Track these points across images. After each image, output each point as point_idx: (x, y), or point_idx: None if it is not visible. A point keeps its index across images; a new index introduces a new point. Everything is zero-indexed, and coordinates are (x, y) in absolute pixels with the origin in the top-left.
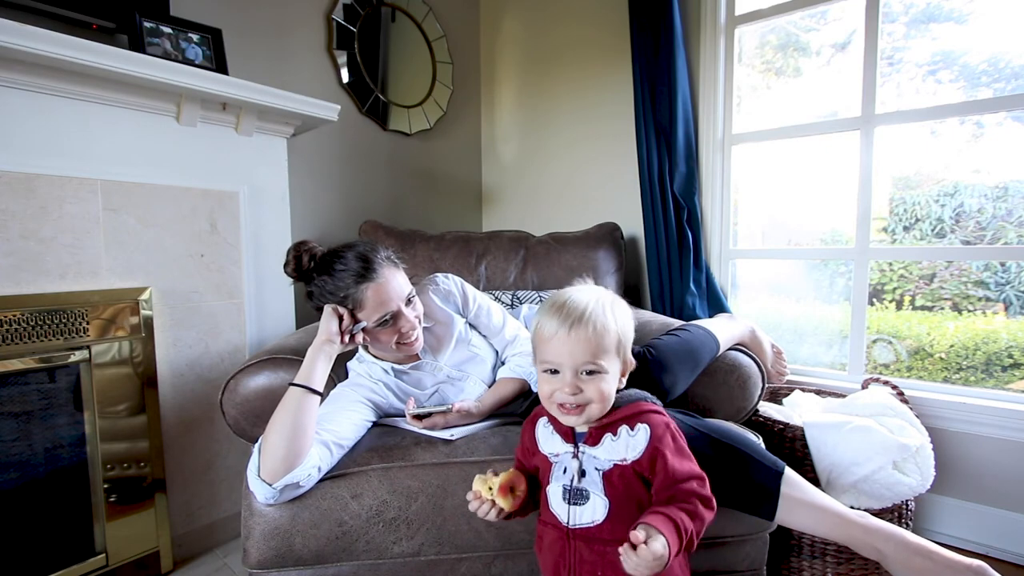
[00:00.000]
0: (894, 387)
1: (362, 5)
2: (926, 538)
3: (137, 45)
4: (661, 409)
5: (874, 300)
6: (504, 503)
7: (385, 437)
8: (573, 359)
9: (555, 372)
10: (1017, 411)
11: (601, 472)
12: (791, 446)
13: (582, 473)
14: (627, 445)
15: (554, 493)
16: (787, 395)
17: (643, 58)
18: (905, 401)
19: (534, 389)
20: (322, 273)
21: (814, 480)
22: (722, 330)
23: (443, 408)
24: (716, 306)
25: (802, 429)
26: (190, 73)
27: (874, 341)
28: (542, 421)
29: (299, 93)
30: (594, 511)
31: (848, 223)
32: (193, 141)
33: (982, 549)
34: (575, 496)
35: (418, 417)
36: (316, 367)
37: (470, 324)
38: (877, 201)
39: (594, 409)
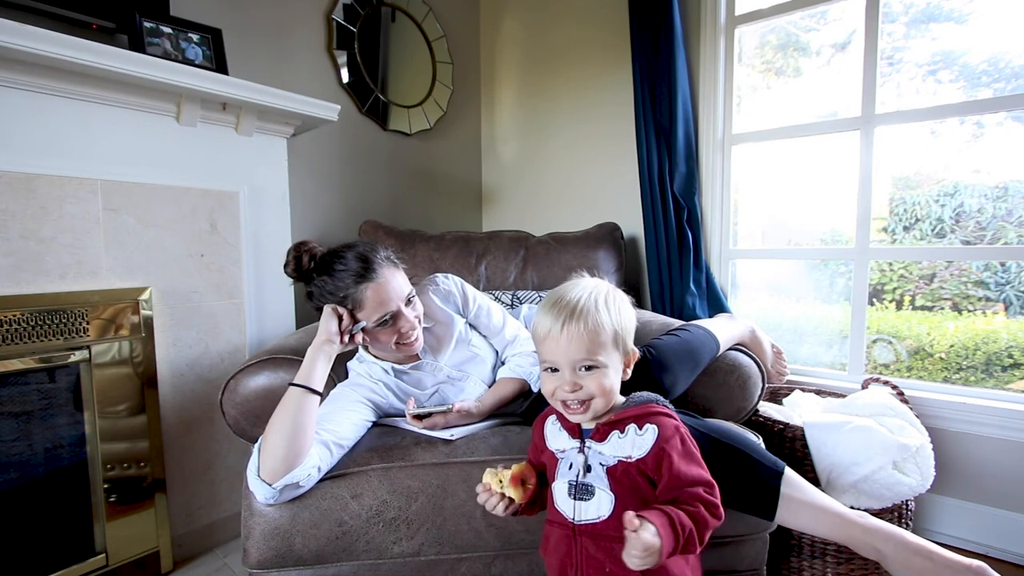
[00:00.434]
0: (894, 387)
1: (362, 5)
2: (926, 538)
3: (137, 45)
4: (673, 413)
5: (874, 300)
6: (515, 493)
7: (385, 437)
8: (569, 357)
9: (555, 370)
10: (1017, 411)
11: (605, 467)
12: (791, 446)
13: (587, 468)
14: (633, 443)
15: (559, 490)
16: (787, 395)
17: (643, 58)
18: (905, 401)
19: (534, 389)
20: (322, 273)
21: (814, 480)
22: (722, 330)
23: (443, 408)
24: (716, 306)
25: (802, 429)
26: (190, 73)
27: (874, 341)
28: (551, 419)
29: (299, 93)
30: (599, 506)
31: (848, 223)
32: (193, 141)
33: (982, 549)
34: (580, 491)
35: (418, 417)
36: (316, 367)
37: (470, 324)
38: (877, 201)
39: (598, 403)
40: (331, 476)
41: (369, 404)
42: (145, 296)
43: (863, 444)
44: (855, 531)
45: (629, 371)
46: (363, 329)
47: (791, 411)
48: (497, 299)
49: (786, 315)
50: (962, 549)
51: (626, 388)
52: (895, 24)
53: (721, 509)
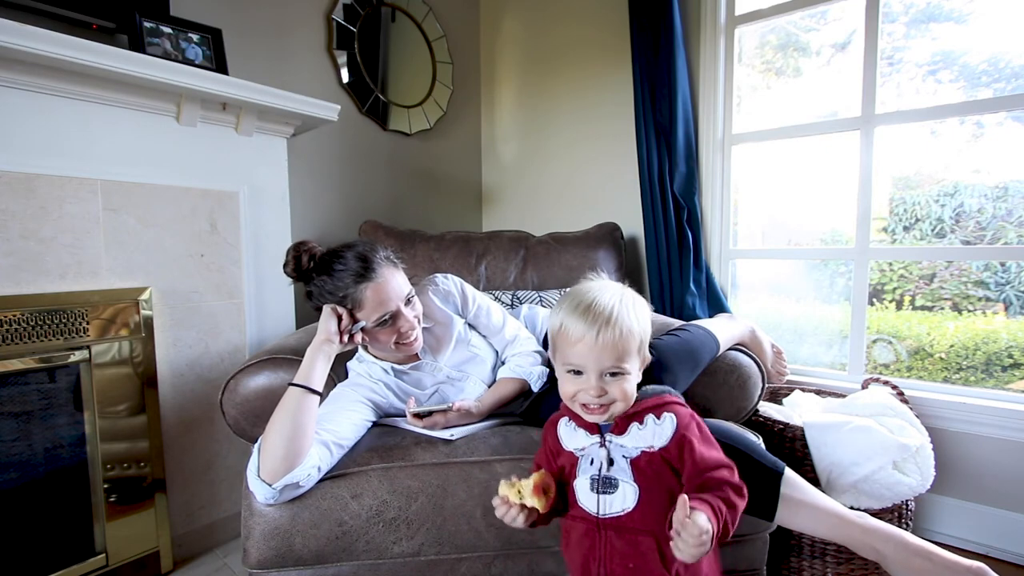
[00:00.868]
0: (894, 387)
1: (362, 5)
2: (926, 538)
3: (137, 45)
4: (684, 402)
5: (874, 300)
6: (538, 503)
7: (385, 437)
8: (599, 363)
9: (578, 373)
10: (1017, 411)
11: (629, 459)
12: (791, 446)
13: (610, 462)
14: (654, 433)
15: (582, 486)
16: (787, 395)
17: (643, 58)
18: (905, 401)
19: (534, 389)
20: (321, 273)
21: (814, 480)
22: (722, 330)
23: (443, 407)
24: (716, 306)
25: (802, 429)
26: (190, 73)
27: (874, 341)
28: (563, 420)
29: (299, 93)
30: (624, 499)
31: (848, 223)
32: (193, 141)
33: (982, 549)
34: (604, 485)
35: (418, 416)
36: (315, 367)
37: (469, 325)
38: (877, 201)
39: (618, 407)
40: (331, 476)
41: (369, 404)
42: (145, 296)
43: (863, 444)
44: (855, 532)
45: (640, 375)
46: (362, 329)
47: (791, 411)
48: (497, 299)
49: (786, 315)
50: (962, 549)
51: None
52: (895, 24)
53: (744, 487)
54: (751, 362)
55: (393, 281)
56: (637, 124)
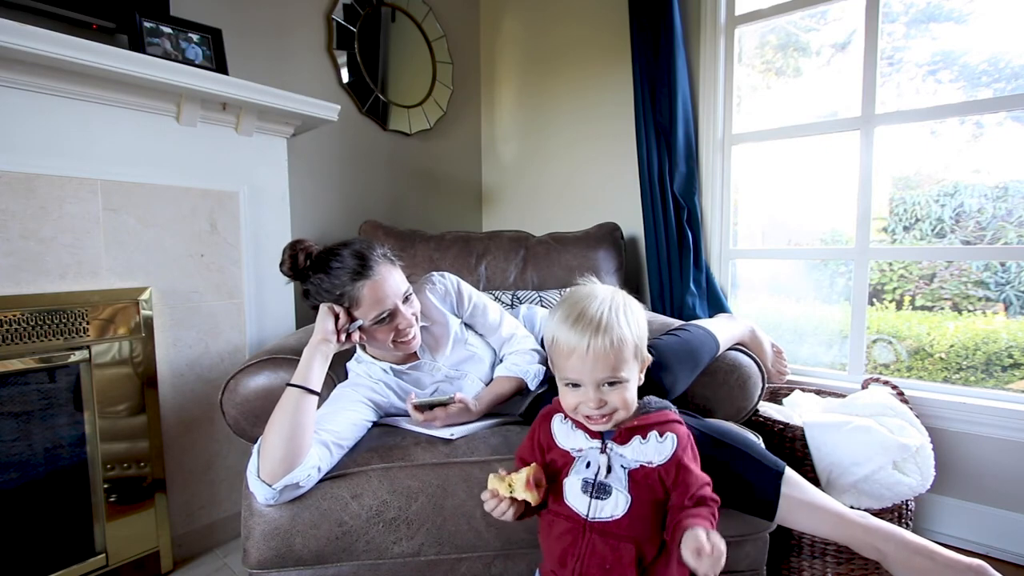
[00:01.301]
0: (894, 387)
1: (362, 5)
2: (926, 538)
3: (137, 45)
4: (682, 421)
5: (874, 300)
6: (531, 497)
7: (385, 437)
8: (594, 375)
9: (576, 385)
10: (1017, 411)
11: (627, 470)
12: (791, 446)
13: (609, 469)
14: (656, 450)
15: (572, 485)
16: (787, 395)
17: (643, 58)
18: (905, 401)
19: (531, 387)
20: (318, 271)
21: (814, 480)
22: (722, 330)
23: (444, 399)
24: (716, 306)
25: (802, 429)
26: (190, 73)
27: (874, 341)
28: (558, 417)
29: (299, 93)
30: (615, 506)
31: (848, 223)
32: (193, 141)
33: (982, 549)
34: (599, 490)
35: (419, 408)
36: (313, 367)
37: (466, 324)
38: (877, 201)
39: (620, 415)
40: (331, 476)
41: (370, 404)
42: (145, 296)
43: (863, 444)
44: (855, 531)
45: (642, 376)
46: (360, 327)
47: (791, 411)
48: (497, 299)
49: (786, 315)
50: (962, 549)
51: None
52: (895, 24)
53: (719, 500)
54: (751, 362)
55: (391, 279)
56: (637, 124)
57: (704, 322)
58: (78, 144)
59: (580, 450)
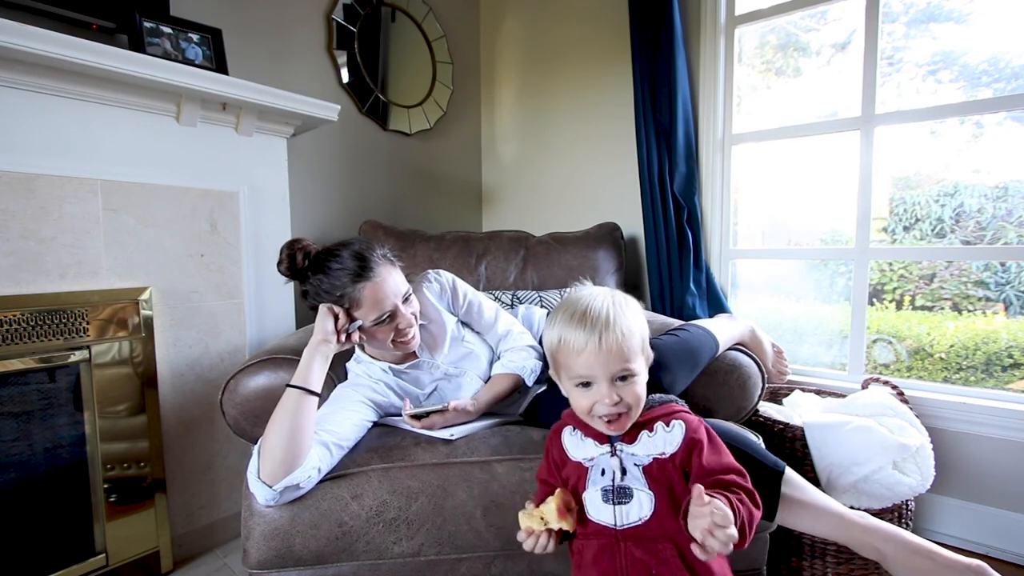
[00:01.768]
0: (894, 387)
1: (362, 5)
2: (926, 538)
3: (137, 45)
4: (690, 411)
5: (874, 300)
6: (567, 524)
7: (385, 437)
8: (607, 369)
9: (587, 385)
10: (1017, 411)
11: (641, 467)
12: (791, 446)
13: (623, 471)
14: (664, 440)
15: (592, 498)
16: (787, 395)
17: (643, 58)
18: (905, 401)
19: (528, 384)
20: (317, 272)
21: (814, 480)
22: (722, 330)
23: (439, 407)
24: (716, 306)
25: (802, 429)
26: (190, 73)
27: (874, 341)
28: (568, 430)
29: (299, 93)
30: (640, 507)
31: (848, 223)
32: (193, 141)
33: (982, 549)
34: (619, 495)
35: (416, 417)
36: (312, 368)
37: (462, 322)
38: (877, 201)
39: (635, 413)
40: (331, 477)
41: (370, 404)
42: (145, 296)
43: (863, 444)
44: (855, 531)
45: (647, 373)
46: (360, 328)
47: (791, 411)
48: (497, 299)
49: (786, 315)
50: (962, 549)
51: None
52: (895, 24)
53: (757, 495)
54: (751, 362)
55: (391, 280)
56: (637, 124)
57: (704, 322)
58: (78, 144)
59: (592, 459)
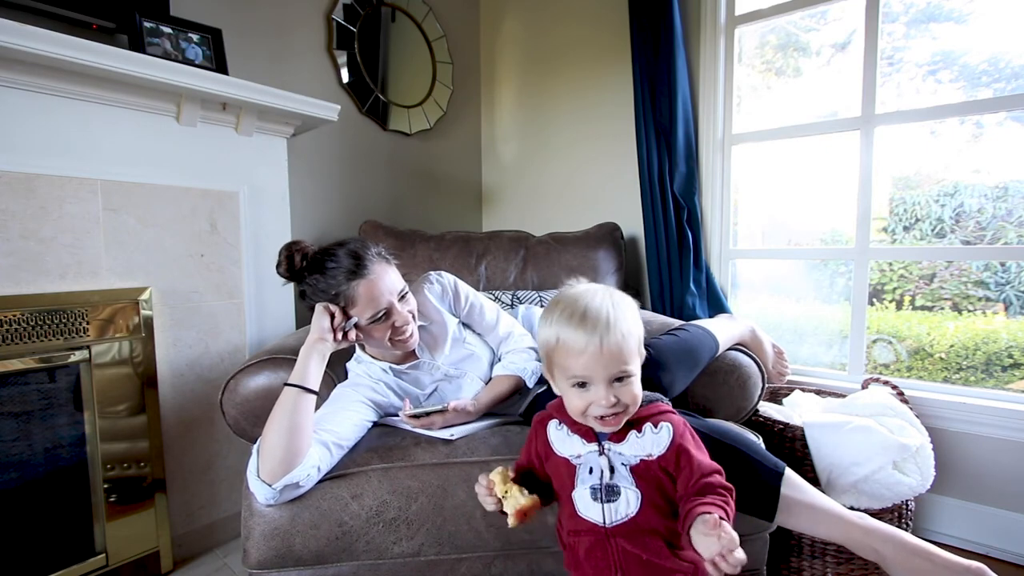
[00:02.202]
0: (894, 387)
1: (362, 5)
2: (926, 538)
3: (137, 45)
4: (674, 409)
5: (874, 300)
6: (511, 521)
7: (385, 437)
8: (607, 371)
9: (583, 385)
10: (1017, 411)
11: (628, 467)
12: (791, 446)
13: (612, 470)
14: (652, 441)
15: (582, 496)
16: (787, 395)
17: (643, 58)
18: (905, 401)
19: (529, 385)
20: (314, 272)
21: (814, 480)
22: (722, 330)
23: (439, 408)
24: (716, 306)
25: (802, 429)
26: (190, 73)
27: (874, 341)
28: (554, 423)
29: (299, 93)
30: (628, 504)
31: (848, 223)
32: (193, 141)
33: (982, 549)
34: (608, 493)
35: (415, 418)
36: (310, 366)
37: (463, 323)
38: (877, 201)
39: (631, 412)
40: (331, 476)
41: (370, 404)
42: (145, 296)
43: (863, 444)
44: (855, 532)
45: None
46: (356, 326)
47: (791, 411)
48: (497, 299)
49: (786, 315)
50: (962, 549)
51: None
52: (895, 24)
53: (733, 488)
54: (751, 362)
55: (386, 277)
56: (637, 124)
57: (704, 322)
58: (78, 144)
59: (579, 456)
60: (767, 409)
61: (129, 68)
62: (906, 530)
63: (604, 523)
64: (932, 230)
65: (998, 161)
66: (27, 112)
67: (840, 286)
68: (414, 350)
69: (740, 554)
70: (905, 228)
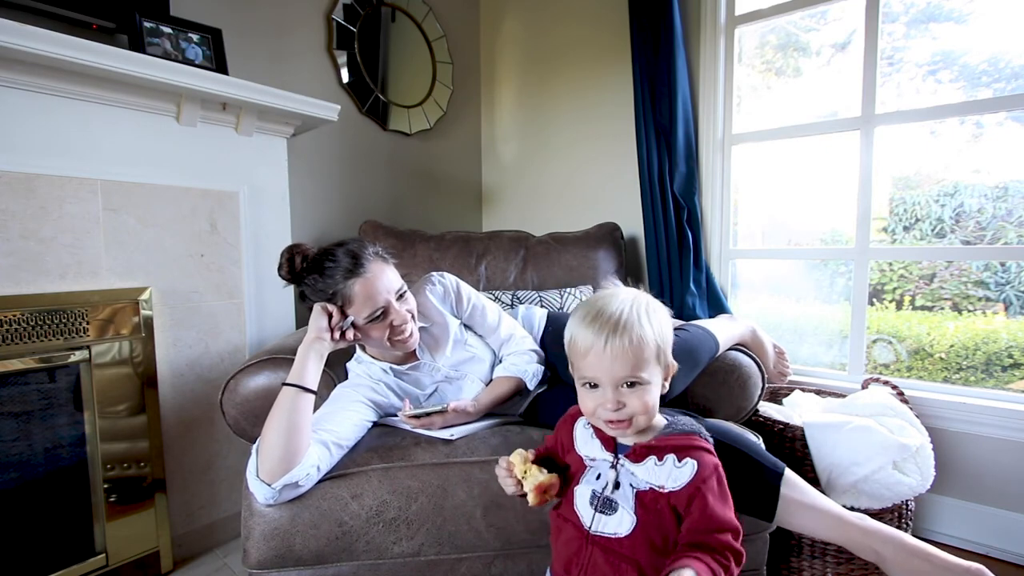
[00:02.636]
0: (894, 387)
1: (362, 5)
2: (926, 538)
3: (137, 45)
4: (712, 448)
5: (874, 300)
6: (532, 499)
7: (385, 437)
8: (612, 374)
9: (595, 386)
10: (1017, 411)
11: (635, 490)
12: (791, 446)
13: (616, 485)
14: (670, 474)
15: (581, 494)
16: (787, 395)
17: (643, 58)
18: (905, 401)
19: (530, 387)
20: (313, 272)
21: (814, 480)
22: (722, 330)
23: (439, 408)
24: (716, 306)
25: (802, 429)
26: (190, 73)
27: (874, 341)
28: (582, 421)
29: (299, 93)
30: (619, 524)
31: (848, 223)
32: (193, 141)
33: (982, 549)
34: (604, 504)
35: (415, 418)
36: (307, 365)
37: (465, 325)
38: (877, 201)
39: (640, 420)
40: (331, 476)
41: (370, 404)
42: (145, 296)
43: (863, 444)
44: (854, 533)
45: (667, 384)
46: (354, 325)
47: (791, 411)
48: (497, 299)
49: (786, 315)
50: (962, 549)
51: None
52: (895, 24)
53: (744, 555)
54: (751, 362)
55: (383, 276)
56: (637, 124)
57: (704, 322)
58: (78, 144)
59: (594, 459)
60: (767, 409)
61: (129, 68)
62: (906, 530)
63: (588, 528)
64: (932, 230)
65: (998, 161)
66: (27, 112)
67: (840, 286)
68: (414, 351)
69: None
70: (905, 228)
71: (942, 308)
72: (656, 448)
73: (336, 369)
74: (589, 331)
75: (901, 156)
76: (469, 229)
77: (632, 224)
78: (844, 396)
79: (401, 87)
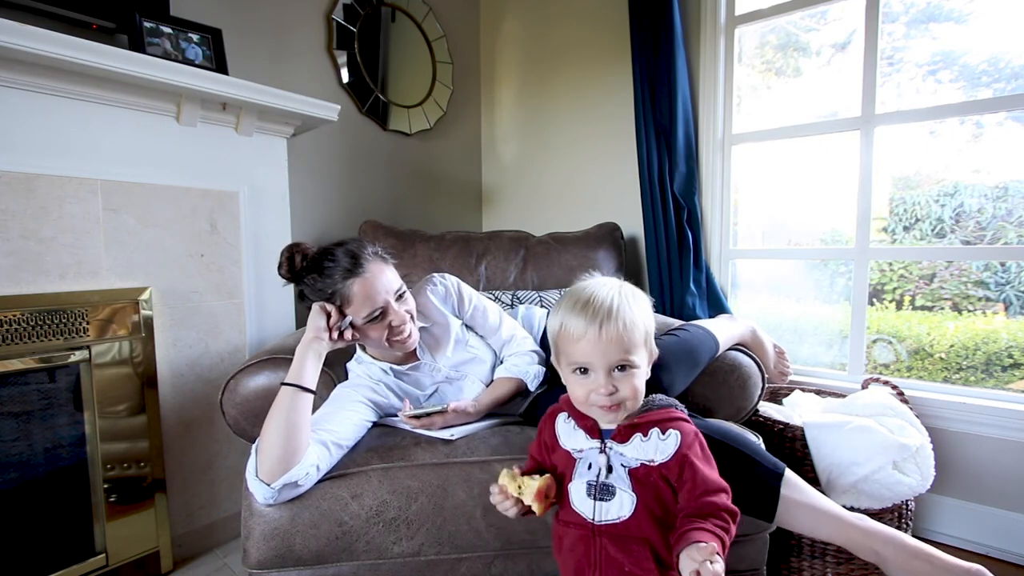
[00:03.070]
0: (894, 387)
1: (362, 5)
2: (926, 538)
3: (137, 45)
4: (688, 418)
5: (874, 300)
6: (537, 507)
7: (385, 437)
8: (606, 358)
9: (585, 372)
10: (1017, 411)
11: (627, 469)
12: (791, 446)
13: (609, 469)
14: (656, 448)
15: (577, 490)
16: (787, 395)
17: (643, 58)
18: (905, 401)
19: (531, 388)
20: (312, 272)
21: (814, 480)
22: (722, 330)
23: (439, 408)
24: (716, 306)
25: (802, 429)
26: (190, 73)
27: (874, 341)
28: (562, 416)
29: (299, 93)
30: (621, 506)
31: (848, 223)
32: (193, 141)
33: (982, 549)
34: (601, 492)
35: (415, 418)
36: (306, 365)
37: (466, 325)
38: (877, 201)
39: (629, 405)
40: (331, 476)
41: (370, 404)
42: (145, 296)
43: (863, 444)
44: (854, 534)
45: (648, 370)
46: (352, 325)
47: (791, 411)
48: (497, 299)
49: (786, 315)
50: (962, 549)
51: None
52: (895, 24)
53: (738, 513)
54: (751, 362)
55: (382, 276)
56: (637, 124)
57: (704, 322)
58: (78, 144)
59: (580, 451)
60: (767, 409)
61: (129, 68)
62: (906, 530)
63: (592, 519)
64: (932, 230)
65: (998, 161)
66: (27, 112)
67: (840, 286)
68: (415, 351)
69: (720, 570)
70: (905, 228)
71: (942, 308)
72: (640, 425)
73: (336, 369)
74: (581, 318)
75: (901, 156)
76: (469, 229)
77: (632, 224)
78: (844, 396)
79: (401, 87)
